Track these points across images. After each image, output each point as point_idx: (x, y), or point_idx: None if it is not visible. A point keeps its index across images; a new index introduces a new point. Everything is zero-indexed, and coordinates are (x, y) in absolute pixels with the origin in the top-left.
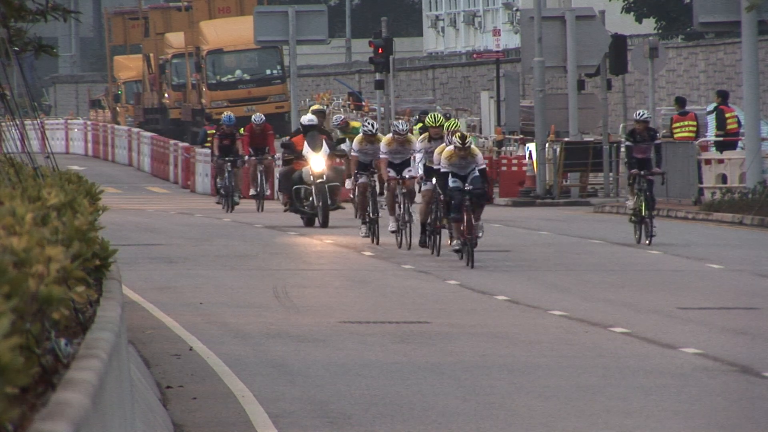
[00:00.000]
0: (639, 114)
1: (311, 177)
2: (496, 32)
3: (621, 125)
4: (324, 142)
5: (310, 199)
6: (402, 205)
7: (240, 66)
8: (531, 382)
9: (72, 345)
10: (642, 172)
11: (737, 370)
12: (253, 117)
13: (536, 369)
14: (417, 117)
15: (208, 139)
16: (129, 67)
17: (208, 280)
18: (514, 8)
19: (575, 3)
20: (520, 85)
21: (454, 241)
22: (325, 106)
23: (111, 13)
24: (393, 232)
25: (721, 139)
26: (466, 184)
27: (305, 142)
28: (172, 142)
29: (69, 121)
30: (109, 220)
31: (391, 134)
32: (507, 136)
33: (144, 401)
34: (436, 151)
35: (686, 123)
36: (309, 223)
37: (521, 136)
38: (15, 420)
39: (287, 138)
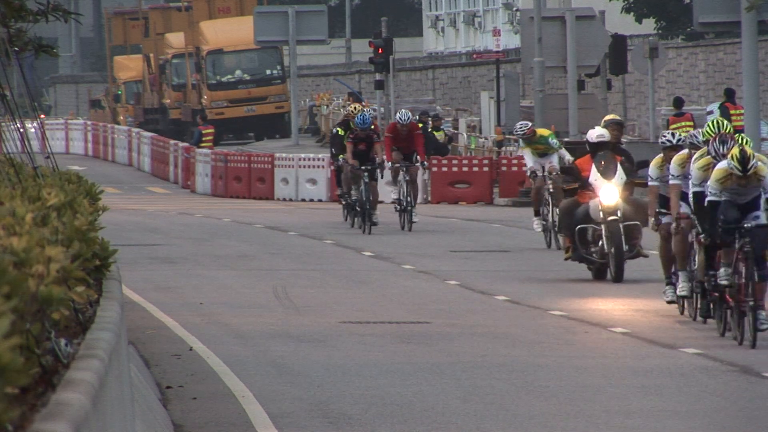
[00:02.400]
0: None
1: (601, 213)
2: (496, 32)
3: None
4: (619, 165)
5: (600, 243)
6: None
7: (240, 66)
8: (531, 382)
9: (72, 345)
10: None
11: (737, 370)
12: (398, 115)
13: (536, 369)
14: (417, 117)
15: (204, 139)
16: (129, 67)
17: (208, 280)
18: (514, 8)
19: (575, 3)
20: (520, 85)
21: (721, 272)
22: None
23: (111, 13)
24: (683, 297)
25: None
26: (746, 220)
27: (593, 166)
28: (172, 142)
29: (69, 121)
30: (109, 220)
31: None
32: (507, 136)
33: (144, 401)
34: (696, 165)
35: (683, 124)
36: (599, 275)
37: None
38: (15, 420)
39: (570, 160)
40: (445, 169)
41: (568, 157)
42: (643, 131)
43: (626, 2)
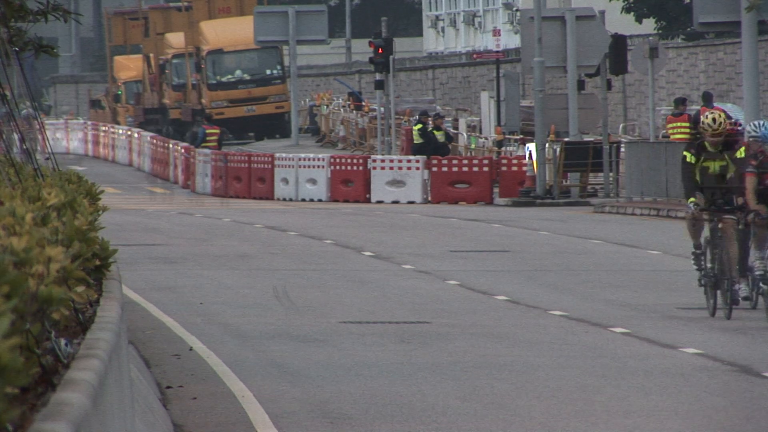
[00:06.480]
0: None
1: None
2: (496, 32)
3: (621, 125)
4: None
5: None
6: None
7: (240, 66)
8: (531, 382)
9: (72, 345)
10: None
11: (737, 370)
12: (750, 126)
13: (536, 369)
14: (417, 117)
15: (208, 138)
16: (129, 67)
17: (208, 280)
18: (514, 8)
19: (575, 3)
20: (520, 85)
21: None
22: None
23: (111, 13)
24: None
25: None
26: None
27: None
28: (172, 142)
29: (69, 121)
30: (109, 220)
31: None
32: (507, 136)
33: (144, 401)
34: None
35: (678, 124)
36: None
37: (521, 136)
38: (15, 420)
39: None
40: (445, 169)
41: None
42: (643, 131)
43: (626, 2)
